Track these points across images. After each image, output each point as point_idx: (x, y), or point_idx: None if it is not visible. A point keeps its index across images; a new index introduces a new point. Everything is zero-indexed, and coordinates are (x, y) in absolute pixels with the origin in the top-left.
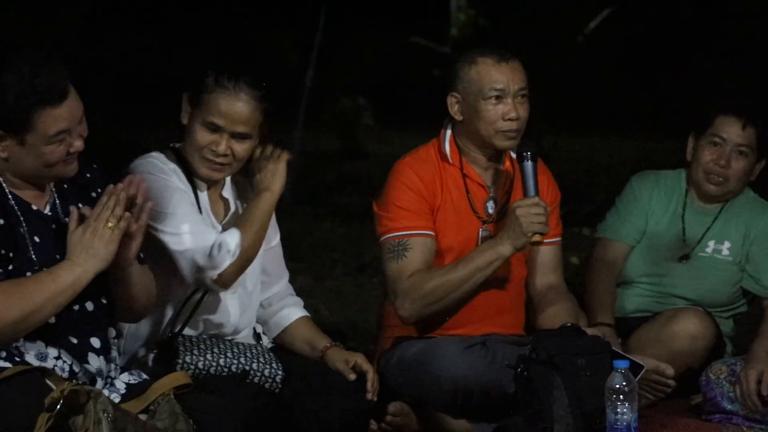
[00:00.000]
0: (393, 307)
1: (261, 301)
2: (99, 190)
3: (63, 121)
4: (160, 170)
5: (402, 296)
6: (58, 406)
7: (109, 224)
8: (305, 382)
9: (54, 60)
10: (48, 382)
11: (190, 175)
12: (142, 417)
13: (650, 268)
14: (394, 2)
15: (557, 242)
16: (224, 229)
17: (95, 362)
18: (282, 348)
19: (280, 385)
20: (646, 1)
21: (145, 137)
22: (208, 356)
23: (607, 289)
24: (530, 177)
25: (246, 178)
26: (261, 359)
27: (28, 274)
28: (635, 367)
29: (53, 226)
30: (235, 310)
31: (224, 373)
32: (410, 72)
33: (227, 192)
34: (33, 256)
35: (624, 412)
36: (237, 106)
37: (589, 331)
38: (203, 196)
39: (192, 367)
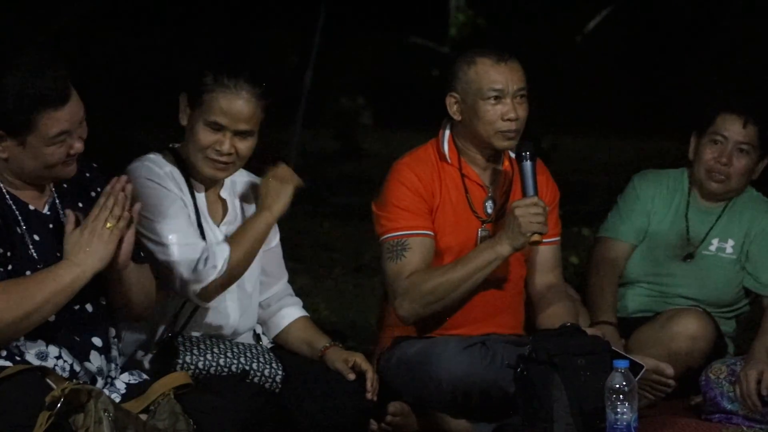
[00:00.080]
0: (392, 307)
1: (260, 302)
2: (99, 190)
3: (64, 123)
4: (156, 175)
5: (401, 296)
6: (59, 405)
7: (108, 224)
8: (305, 382)
9: (56, 62)
10: (48, 381)
11: (188, 176)
12: (142, 417)
13: (654, 268)
14: (393, 2)
15: (556, 242)
16: (222, 230)
17: (96, 362)
18: (281, 348)
19: (280, 385)
20: (646, 1)
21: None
22: (208, 356)
23: (609, 287)
24: (529, 177)
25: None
26: (261, 359)
27: (29, 272)
28: (635, 367)
29: (52, 225)
30: (234, 312)
31: (224, 373)
32: (409, 72)
33: (225, 192)
34: (34, 255)
35: (624, 412)
36: (239, 104)
37: (589, 330)
38: (201, 197)
39: (192, 367)
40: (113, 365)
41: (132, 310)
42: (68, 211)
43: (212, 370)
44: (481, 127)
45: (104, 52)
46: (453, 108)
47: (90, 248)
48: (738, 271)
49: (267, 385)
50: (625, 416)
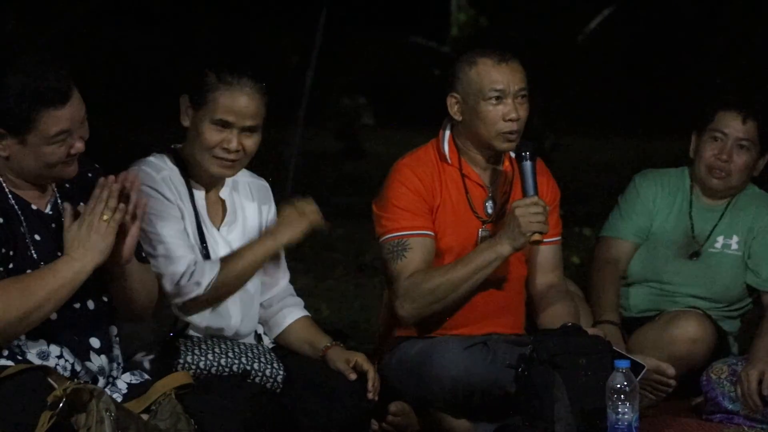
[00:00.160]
0: (393, 307)
1: (262, 302)
2: None
3: (64, 122)
4: (152, 180)
5: (402, 296)
6: (61, 405)
7: (104, 217)
8: (306, 382)
9: (58, 61)
10: (50, 380)
11: (188, 177)
12: (144, 417)
13: (659, 267)
14: (394, 2)
15: (557, 241)
16: (222, 232)
17: (97, 361)
18: (283, 348)
19: (281, 385)
20: (646, 1)
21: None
22: (209, 356)
23: (611, 287)
24: (529, 176)
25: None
26: (262, 359)
27: (29, 272)
28: (636, 367)
29: (54, 225)
30: (236, 313)
31: (225, 373)
32: (410, 72)
33: (225, 193)
34: (34, 255)
35: (625, 412)
36: (244, 100)
37: (591, 330)
38: (201, 200)
39: (193, 367)
40: (115, 365)
41: (133, 308)
42: (66, 205)
43: (213, 370)
44: (482, 128)
45: (104, 52)
46: (454, 108)
47: (89, 242)
48: (744, 267)
49: (268, 385)
50: (626, 416)
